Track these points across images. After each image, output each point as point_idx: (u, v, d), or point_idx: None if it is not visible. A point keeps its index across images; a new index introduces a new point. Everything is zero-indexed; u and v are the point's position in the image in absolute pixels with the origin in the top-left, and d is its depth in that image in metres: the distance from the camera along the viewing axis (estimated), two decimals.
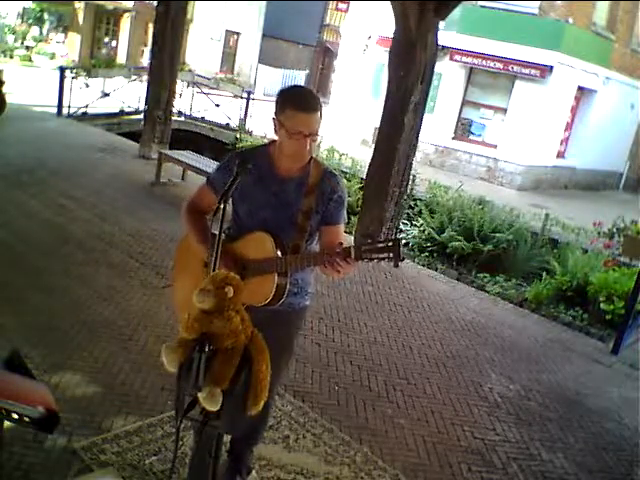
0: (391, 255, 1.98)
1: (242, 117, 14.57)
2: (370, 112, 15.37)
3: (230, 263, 2.24)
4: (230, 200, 2.42)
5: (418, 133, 6.89)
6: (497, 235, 8.92)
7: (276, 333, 2.07)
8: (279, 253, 2.25)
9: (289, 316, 2.47)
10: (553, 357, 5.22)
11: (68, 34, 25.07)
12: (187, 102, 14.44)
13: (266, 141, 2.65)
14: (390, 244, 1.98)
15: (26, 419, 1.62)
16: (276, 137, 2.32)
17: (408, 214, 9.83)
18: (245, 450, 2.78)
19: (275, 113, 2.28)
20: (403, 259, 2.00)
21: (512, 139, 16.43)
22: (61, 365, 3.57)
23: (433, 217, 9.54)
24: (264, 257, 2.26)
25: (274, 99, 2.31)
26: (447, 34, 13.62)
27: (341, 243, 2.14)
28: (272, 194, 2.34)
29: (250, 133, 13.92)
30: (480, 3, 16.63)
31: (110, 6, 25.19)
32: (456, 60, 16.94)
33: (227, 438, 2.70)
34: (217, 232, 2.41)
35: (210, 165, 7.52)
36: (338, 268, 2.08)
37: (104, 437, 3.00)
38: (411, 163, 6.99)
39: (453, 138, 17.66)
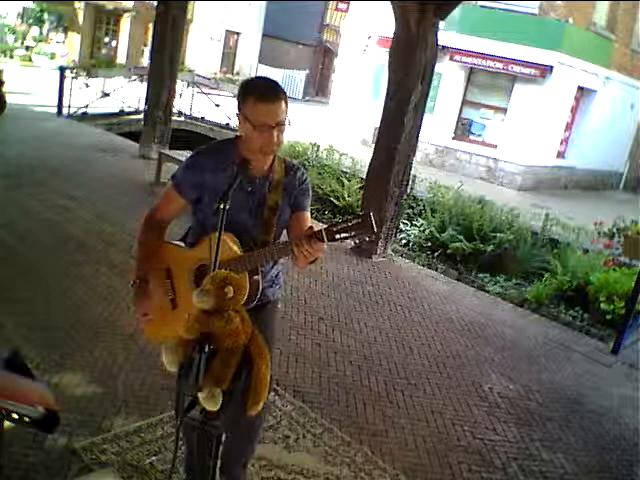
0: (363, 231, 1.89)
1: None
2: (370, 112, 15.37)
3: (149, 307, 2.37)
4: (191, 204, 2.34)
5: (418, 133, 6.89)
6: (498, 235, 8.92)
7: (258, 330, 2.03)
8: (245, 252, 2.15)
9: (265, 310, 2.38)
10: (553, 357, 5.22)
11: (68, 34, 25.06)
12: (187, 102, 14.44)
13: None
14: (360, 220, 1.89)
15: (26, 419, 1.62)
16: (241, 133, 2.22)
17: (408, 214, 9.83)
18: (237, 466, 2.63)
19: (238, 107, 2.19)
20: (376, 232, 1.92)
21: (512, 139, 16.43)
22: (61, 365, 3.57)
23: (434, 217, 9.54)
24: (230, 258, 2.11)
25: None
26: (447, 34, 13.60)
27: (311, 227, 2.04)
28: (246, 194, 2.23)
29: None
30: (480, 3, 16.64)
31: (110, 6, 25.16)
32: (456, 60, 16.93)
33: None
34: (175, 242, 2.41)
35: None
36: (308, 253, 1.96)
37: (104, 437, 2.99)
38: (411, 163, 6.99)
39: (453, 138, 17.66)
